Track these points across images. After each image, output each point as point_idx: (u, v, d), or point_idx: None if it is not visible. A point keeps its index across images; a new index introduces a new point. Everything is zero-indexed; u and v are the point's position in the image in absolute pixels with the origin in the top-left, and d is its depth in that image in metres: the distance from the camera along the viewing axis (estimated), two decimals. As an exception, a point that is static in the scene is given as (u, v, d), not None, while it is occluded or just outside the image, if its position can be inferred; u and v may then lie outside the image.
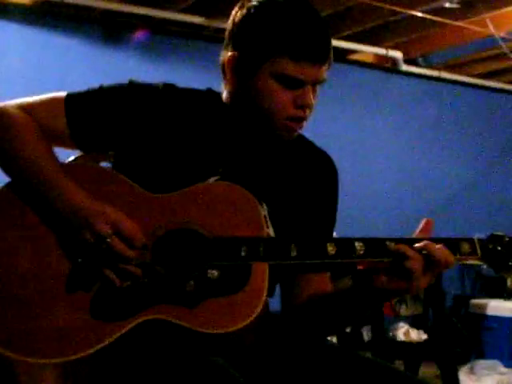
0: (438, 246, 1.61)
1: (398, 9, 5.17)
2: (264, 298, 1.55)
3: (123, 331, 1.51)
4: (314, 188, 1.83)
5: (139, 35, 5.40)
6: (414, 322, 5.36)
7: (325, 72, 1.70)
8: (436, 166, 6.78)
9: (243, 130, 1.76)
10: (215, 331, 1.51)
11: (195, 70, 5.53)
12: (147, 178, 1.69)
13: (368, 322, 4.94)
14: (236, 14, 1.73)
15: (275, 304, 1.78)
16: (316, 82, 1.69)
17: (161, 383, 1.51)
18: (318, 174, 1.85)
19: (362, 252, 1.62)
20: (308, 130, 1.79)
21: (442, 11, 5.35)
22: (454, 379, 4.95)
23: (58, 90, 1.78)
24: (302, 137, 1.84)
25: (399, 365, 5.01)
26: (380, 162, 6.49)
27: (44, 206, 1.61)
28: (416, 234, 1.68)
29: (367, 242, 1.64)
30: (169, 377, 1.50)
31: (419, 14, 5.29)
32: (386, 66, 6.57)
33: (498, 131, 7.22)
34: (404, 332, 5.06)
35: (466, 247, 1.67)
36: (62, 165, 1.68)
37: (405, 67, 6.43)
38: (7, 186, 1.66)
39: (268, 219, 1.72)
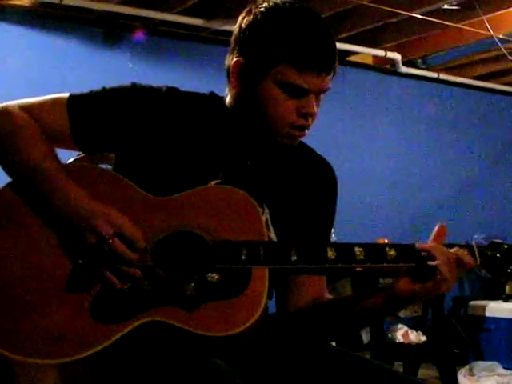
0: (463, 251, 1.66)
1: (396, 10, 5.17)
2: (264, 301, 1.55)
3: (123, 333, 1.52)
4: (313, 193, 1.83)
5: (137, 36, 5.39)
6: (413, 324, 5.36)
7: (329, 81, 1.70)
8: (435, 167, 6.78)
9: (245, 135, 1.77)
10: (214, 334, 1.51)
11: (194, 71, 5.53)
12: (148, 180, 1.69)
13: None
14: (243, 19, 1.74)
15: (272, 305, 1.78)
16: (320, 91, 1.70)
17: (160, 385, 1.51)
18: (318, 179, 1.85)
19: (361, 257, 1.63)
20: (308, 130, 1.79)
21: (440, 13, 5.35)
22: (452, 381, 4.95)
23: (58, 91, 1.78)
24: (302, 143, 1.85)
25: (398, 366, 5.02)
26: (379, 164, 6.48)
27: (45, 207, 1.61)
28: (431, 238, 1.68)
29: (367, 247, 1.64)
30: (168, 379, 1.50)
31: (418, 16, 5.29)
32: (385, 68, 6.57)
33: (497, 133, 7.22)
34: (403, 334, 5.06)
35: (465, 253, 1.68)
36: (64, 166, 1.68)
37: (404, 69, 6.42)
38: (8, 185, 1.66)
39: (269, 223, 1.72)
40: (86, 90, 1.76)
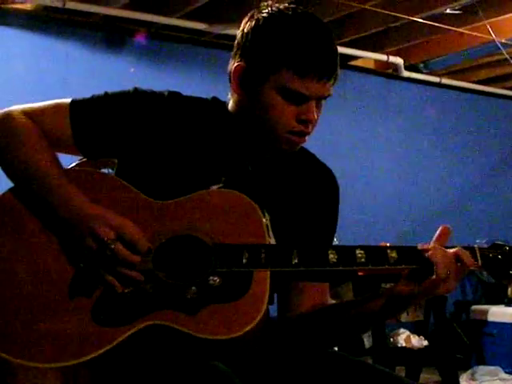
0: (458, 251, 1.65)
1: (399, 15, 5.18)
2: (265, 305, 1.55)
3: (124, 337, 1.52)
4: (315, 200, 1.83)
5: (139, 38, 5.40)
6: (415, 328, 5.35)
7: (330, 88, 1.70)
8: (437, 171, 6.78)
9: (247, 140, 1.77)
10: (216, 338, 1.51)
11: (196, 75, 5.54)
12: (150, 184, 1.69)
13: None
14: (245, 24, 1.74)
15: (273, 309, 1.78)
16: (320, 98, 1.70)
17: (161, 389, 1.52)
18: (320, 187, 1.85)
19: (362, 260, 1.63)
20: (309, 136, 1.79)
21: (443, 17, 5.36)
22: (454, 385, 4.95)
23: (60, 95, 1.78)
24: (304, 149, 1.85)
25: (400, 371, 5.01)
26: (381, 168, 6.49)
27: (47, 212, 1.61)
28: (433, 239, 1.68)
29: (368, 249, 1.64)
30: (169, 382, 1.50)
31: (420, 21, 5.29)
32: (387, 72, 6.58)
33: (499, 137, 7.22)
34: (405, 338, 5.06)
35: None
36: (65, 171, 1.68)
37: (406, 73, 6.43)
38: (10, 190, 1.67)
39: (269, 229, 1.72)
40: (88, 95, 1.76)
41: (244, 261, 1.58)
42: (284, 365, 1.73)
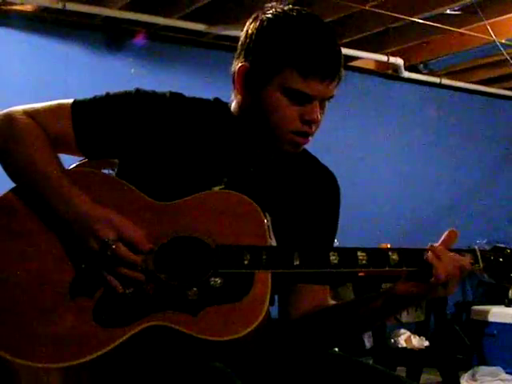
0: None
1: (399, 15, 5.18)
2: (266, 306, 1.55)
3: (125, 337, 1.52)
4: (316, 202, 1.83)
5: (139, 39, 5.40)
6: (416, 329, 5.35)
7: (333, 88, 1.70)
8: (438, 172, 6.78)
9: (249, 141, 1.77)
10: (217, 339, 1.51)
11: (196, 76, 5.54)
12: (151, 185, 1.69)
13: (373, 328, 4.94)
14: (249, 25, 1.74)
15: (274, 310, 1.78)
16: (324, 98, 1.70)
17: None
18: (321, 188, 1.85)
19: (364, 261, 1.63)
20: (312, 137, 1.79)
21: (443, 18, 5.36)
22: (455, 386, 4.95)
23: (61, 96, 1.78)
24: (306, 151, 1.85)
25: (401, 372, 5.01)
26: (382, 168, 6.49)
27: (48, 212, 1.62)
28: (439, 243, 1.68)
29: (369, 251, 1.64)
30: (170, 383, 1.50)
31: (420, 21, 5.29)
32: (387, 73, 6.58)
33: (499, 137, 7.22)
34: (405, 339, 5.06)
35: (467, 258, 1.68)
36: (67, 171, 1.68)
37: (406, 74, 6.43)
38: (12, 191, 1.67)
39: (271, 230, 1.72)
40: (88, 96, 1.76)
41: (245, 262, 1.58)
42: (285, 366, 1.73)
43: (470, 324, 6.16)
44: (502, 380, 5.57)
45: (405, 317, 5.14)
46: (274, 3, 1.75)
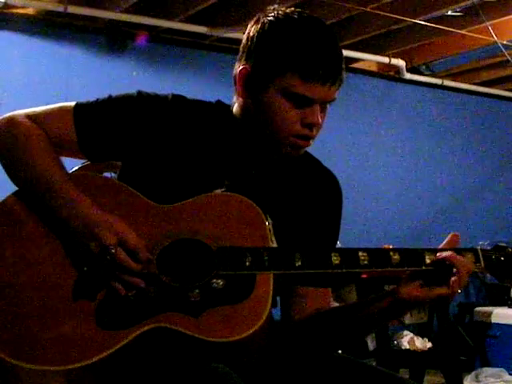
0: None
1: (400, 17, 5.18)
2: (268, 307, 1.55)
3: (128, 339, 1.52)
4: (318, 204, 1.83)
5: (141, 42, 5.40)
6: (419, 330, 5.36)
7: (335, 92, 1.70)
8: (440, 173, 6.78)
9: (251, 144, 1.77)
10: (219, 340, 1.51)
11: (198, 78, 5.54)
12: (153, 188, 1.69)
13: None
14: (251, 28, 1.74)
15: (276, 313, 1.78)
16: (325, 102, 1.70)
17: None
18: (323, 192, 1.85)
19: (365, 262, 1.63)
20: (313, 140, 1.79)
21: (444, 19, 5.36)
22: (458, 387, 4.94)
23: (63, 99, 1.79)
24: (308, 154, 1.85)
25: (404, 373, 5.01)
26: (384, 170, 6.49)
27: (50, 216, 1.62)
28: (442, 246, 1.68)
29: (371, 252, 1.64)
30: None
31: (422, 23, 5.29)
32: (390, 75, 6.58)
33: (501, 138, 7.22)
34: (408, 340, 5.06)
35: (469, 257, 1.68)
36: (69, 175, 1.68)
37: (408, 75, 6.42)
38: (14, 194, 1.67)
39: (272, 232, 1.72)
40: (90, 99, 1.76)
41: (247, 264, 1.59)
42: (288, 367, 1.73)
43: (473, 325, 6.15)
44: (505, 381, 5.57)
45: (408, 318, 5.14)
46: (275, 6, 1.75)
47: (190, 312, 1.54)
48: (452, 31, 5.46)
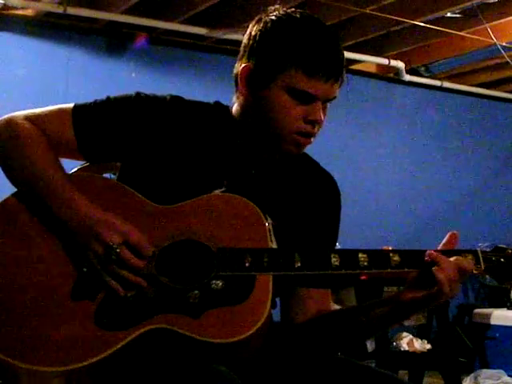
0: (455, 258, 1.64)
1: (400, 19, 5.18)
2: (268, 308, 1.55)
3: (127, 340, 1.52)
4: (317, 205, 1.83)
5: (140, 43, 5.41)
6: (418, 332, 5.35)
7: (336, 90, 1.71)
8: (439, 175, 6.78)
9: (251, 144, 1.77)
10: (219, 341, 1.51)
11: (197, 80, 5.55)
12: (153, 189, 1.69)
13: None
14: (253, 27, 1.75)
15: (276, 314, 1.78)
16: (327, 99, 1.70)
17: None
18: (322, 192, 1.85)
19: (365, 263, 1.63)
20: (314, 138, 1.79)
21: (444, 21, 5.36)
22: (458, 389, 4.94)
23: (62, 100, 1.79)
24: (307, 156, 1.86)
25: (403, 375, 5.01)
26: (383, 171, 6.49)
27: (50, 216, 1.62)
28: (440, 246, 1.68)
29: (370, 253, 1.64)
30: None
31: (421, 24, 5.30)
32: (389, 76, 6.58)
33: (500, 140, 7.22)
34: (408, 342, 5.05)
35: (469, 259, 1.68)
36: (68, 176, 1.68)
37: (407, 77, 6.43)
38: (14, 195, 1.67)
39: (272, 233, 1.72)
40: (90, 100, 1.76)
41: (246, 265, 1.58)
42: (287, 369, 1.73)
43: (472, 327, 6.15)
44: (504, 383, 5.56)
45: (407, 320, 5.14)
46: (276, 6, 1.76)
47: (190, 313, 1.54)
48: (451, 33, 5.46)
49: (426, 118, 6.78)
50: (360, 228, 5.76)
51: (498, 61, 6.10)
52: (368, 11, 5.06)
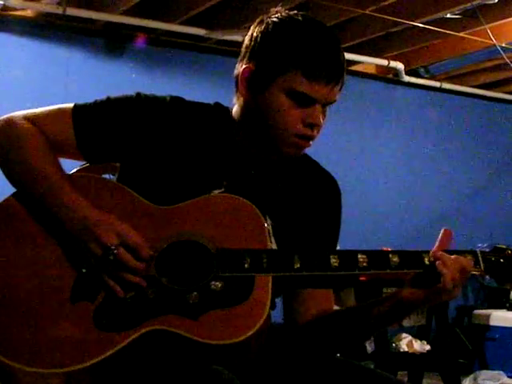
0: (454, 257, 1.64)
1: (399, 20, 5.18)
2: (267, 310, 1.55)
3: (126, 342, 1.52)
4: (317, 206, 1.83)
5: (139, 44, 5.41)
6: (417, 333, 5.35)
7: (336, 94, 1.71)
8: (438, 176, 6.78)
9: (250, 145, 1.77)
10: (218, 342, 1.51)
11: (197, 81, 5.55)
12: (152, 189, 1.69)
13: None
14: (254, 29, 1.75)
15: (277, 316, 1.78)
16: (327, 102, 1.70)
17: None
18: (322, 192, 1.85)
19: (364, 264, 1.63)
20: (313, 141, 1.79)
21: (443, 22, 5.36)
22: (457, 390, 4.94)
23: (62, 101, 1.79)
24: (307, 156, 1.85)
25: (402, 376, 5.01)
26: (382, 173, 6.49)
27: (49, 217, 1.62)
28: (436, 244, 1.68)
29: (370, 254, 1.64)
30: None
31: (421, 25, 5.30)
32: (388, 77, 6.58)
33: (500, 141, 7.22)
34: (407, 343, 5.05)
35: (469, 259, 1.68)
36: (68, 176, 1.68)
37: (407, 78, 6.43)
38: (13, 196, 1.67)
39: (271, 234, 1.72)
40: (89, 101, 1.76)
41: (246, 266, 1.58)
42: (287, 370, 1.73)
43: (472, 328, 6.15)
44: (503, 384, 5.57)
45: (406, 321, 5.13)
46: (278, 8, 1.76)
47: (189, 314, 1.54)
48: (451, 34, 5.46)
49: (425, 119, 6.78)
50: (359, 229, 5.76)
51: (498, 62, 6.10)
52: (367, 12, 5.06)
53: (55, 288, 1.58)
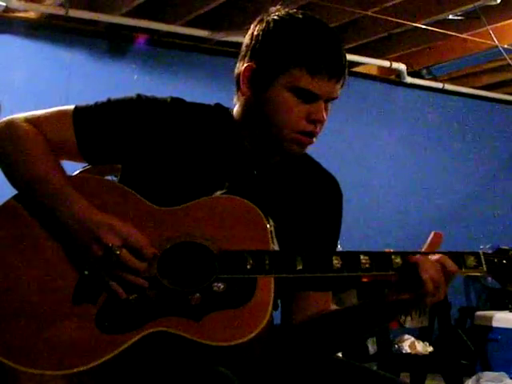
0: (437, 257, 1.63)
1: (401, 21, 5.18)
2: (270, 311, 1.55)
3: (129, 343, 1.51)
4: (319, 207, 1.83)
5: (141, 45, 5.41)
6: (420, 335, 5.35)
7: (338, 89, 1.71)
8: (440, 177, 6.78)
9: (252, 145, 1.77)
10: (220, 344, 1.51)
11: (198, 82, 5.55)
12: (154, 191, 1.69)
13: (373, 335, 4.94)
14: (255, 27, 1.75)
15: (277, 316, 1.78)
16: (329, 98, 1.70)
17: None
18: (324, 193, 1.85)
19: (367, 265, 1.63)
20: (316, 138, 1.78)
21: (445, 23, 5.36)
22: (459, 391, 4.94)
23: (64, 103, 1.79)
24: (309, 157, 1.85)
25: (405, 377, 5.00)
26: (384, 174, 6.49)
27: (51, 219, 1.61)
28: (425, 247, 1.68)
29: (372, 255, 1.64)
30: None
31: (423, 27, 5.30)
32: (390, 78, 6.58)
33: (502, 142, 7.22)
34: (409, 344, 5.05)
35: (471, 261, 1.67)
36: (69, 178, 1.68)
37: (409, 79, 6.44)
38: (14, 198, 1.67)
39: (274, 235, 1.72)
40: (91, 102, 1.76)
41: (248, 267, 1.58)
42: (288, 371, 1.73)
43: (474, 329, 6.14)
44: (506, 385, 5.56)
45: (409, 322, 5.13)
46: (278, 7, 1.76)
47: (191, 316, 1.53)
48: (453, 35, 5.46)
49: (427, 121, 6.78)
50: (360, 231, 5.76)
51: (500, 63, 6.11)
52: (370, 13, 5.06)
53: (57, 290, 1.57)
